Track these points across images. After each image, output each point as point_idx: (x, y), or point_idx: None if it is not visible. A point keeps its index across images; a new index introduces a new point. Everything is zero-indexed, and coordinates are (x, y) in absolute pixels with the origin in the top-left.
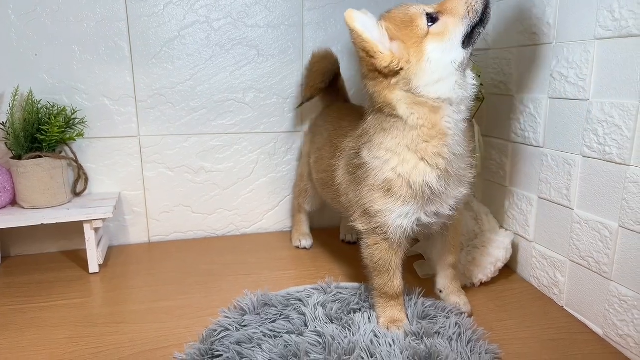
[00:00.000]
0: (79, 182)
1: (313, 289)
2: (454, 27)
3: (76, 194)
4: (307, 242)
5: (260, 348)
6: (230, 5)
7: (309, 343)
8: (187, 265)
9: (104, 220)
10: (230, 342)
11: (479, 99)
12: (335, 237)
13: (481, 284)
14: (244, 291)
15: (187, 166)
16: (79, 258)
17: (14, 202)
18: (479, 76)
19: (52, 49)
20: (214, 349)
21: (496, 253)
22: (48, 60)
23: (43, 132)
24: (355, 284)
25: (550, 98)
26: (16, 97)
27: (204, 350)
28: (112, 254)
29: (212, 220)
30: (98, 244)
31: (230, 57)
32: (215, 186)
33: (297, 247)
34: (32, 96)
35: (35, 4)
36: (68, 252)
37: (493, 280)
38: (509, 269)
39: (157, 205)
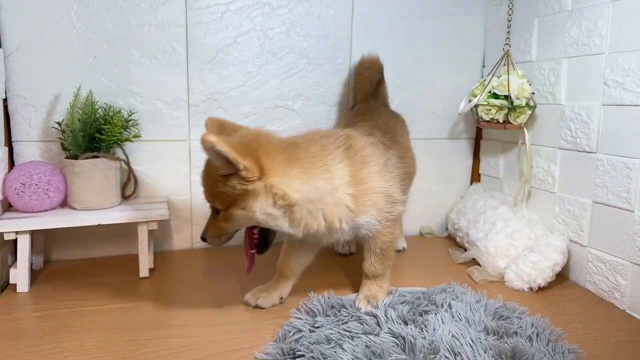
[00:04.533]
0: (129, 185)
1: None
2: None
3: (125, 197)
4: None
5: (342, 348)
6: (284, 15)
7: (384, 342)
8: (237, 271)
9: (159, 222)
10: (309, 342)
11: (529, 106)
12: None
13: (539, 288)
14: (309, 293)
15: None
16: (124, 263)
17: (64, 204)
18: (530, 84)
19: (111, 51)
20: (295, 349)
21: (554, 257)
22: (107, 63)
23: (103, 132)
24: (416, 289)
25: (604, 105)
26: (77, 98)
27: (286, 350)
28: (157, 259)
29: None
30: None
31: (282, 65)
32: None
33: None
34: (92, 96)
35: (98, 7)
36: (110, 257)
37: (549, 286)
38: (561, 275)
39: (202, 210)
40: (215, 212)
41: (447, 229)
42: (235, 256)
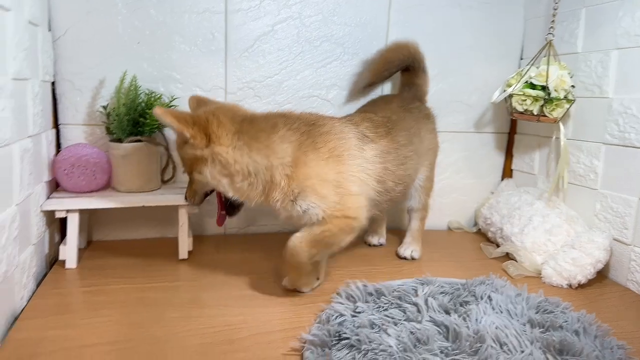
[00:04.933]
0: (167, 170)
1: (414, 282)
2: None
3: (163, 182)
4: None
5: (386, 333)
6: (322, 3)
7: (428, 330)
8: (273, 257)
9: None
10: (353, 326)
11: (568, 100)
12: None
13: (578, 285)
14: (346, 281)
15: None
16: (162, 245)
17: (107, 186)
18: (572, 77)
19: (154, 38)
20: (340, 332)
21: (597, 254)
22: (149, 49)
23: (146, 117)
24: (454, 280)
25: None
26: (123, 82)
27: (332, 332)
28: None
29: None
30: None
31: (317, 54)
32: None
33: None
34: (135, 82)
35: None
36: (148, 240)
37: (588, 283)
38: (599, 274)
39: None
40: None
41: (476, 224)
42: (268, 242)
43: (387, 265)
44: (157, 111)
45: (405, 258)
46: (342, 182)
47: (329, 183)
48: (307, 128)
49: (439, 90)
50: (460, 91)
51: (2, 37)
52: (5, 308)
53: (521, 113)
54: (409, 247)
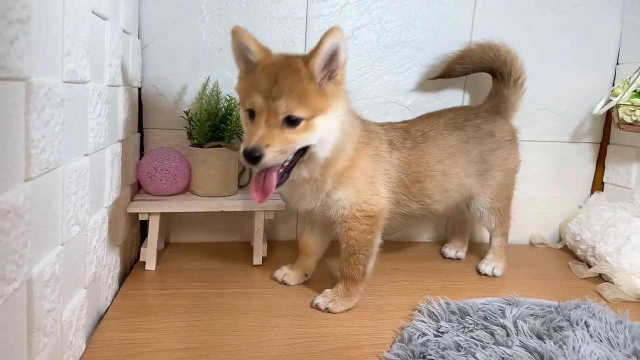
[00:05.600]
0: (243, 175)
1: (499, 301)
2: None
3: (239, 187)
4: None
5: (474, 357)
6: (404, 7)
7: (521, 357)
8: None
9: (276, 211)
10: (438, 347)
11: None
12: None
13: None
14: (426, 297)
15: None
16: (236, 250)
17: (186, 189)
18: None
19: None
20: (424, 352)
21: None
22: (230, 56)
23: (227, 123)
24: (543, 301)
25: None
26: (205, 89)
27: (416, 352)
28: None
29: None
30: None
31: (397, 59)
32: None
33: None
34: (217, 88)
35: (226, 1)
36: (222, 243)
37: None
38: None
39: None
40: (288, 123)
41: (560, 239)
42: (329, 251)
43: (466, 282)
44: (341, 32)
45: (486, 274)
46: (375, 180)
47: (366, 179)
48: (359, 117)
49: (525, 97)
50: (548, 98)
51: (101, 45)
52: (93, 308)
53: (630, 124)
54: (491, 264)
